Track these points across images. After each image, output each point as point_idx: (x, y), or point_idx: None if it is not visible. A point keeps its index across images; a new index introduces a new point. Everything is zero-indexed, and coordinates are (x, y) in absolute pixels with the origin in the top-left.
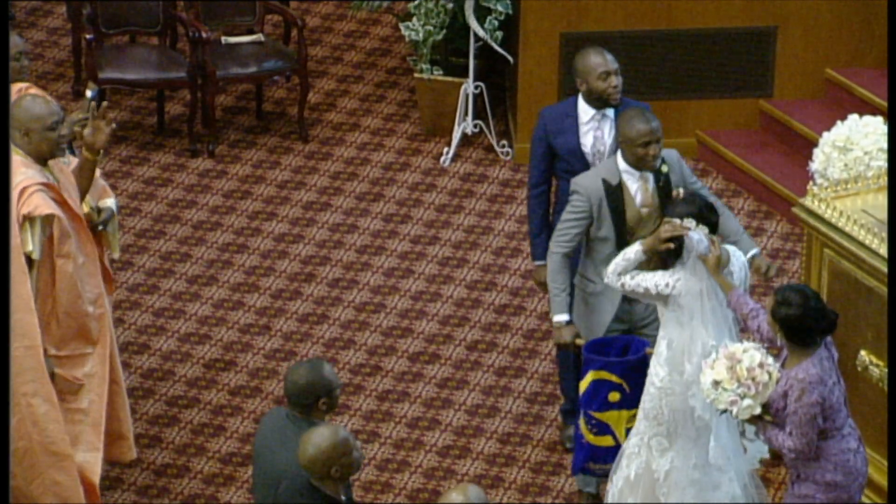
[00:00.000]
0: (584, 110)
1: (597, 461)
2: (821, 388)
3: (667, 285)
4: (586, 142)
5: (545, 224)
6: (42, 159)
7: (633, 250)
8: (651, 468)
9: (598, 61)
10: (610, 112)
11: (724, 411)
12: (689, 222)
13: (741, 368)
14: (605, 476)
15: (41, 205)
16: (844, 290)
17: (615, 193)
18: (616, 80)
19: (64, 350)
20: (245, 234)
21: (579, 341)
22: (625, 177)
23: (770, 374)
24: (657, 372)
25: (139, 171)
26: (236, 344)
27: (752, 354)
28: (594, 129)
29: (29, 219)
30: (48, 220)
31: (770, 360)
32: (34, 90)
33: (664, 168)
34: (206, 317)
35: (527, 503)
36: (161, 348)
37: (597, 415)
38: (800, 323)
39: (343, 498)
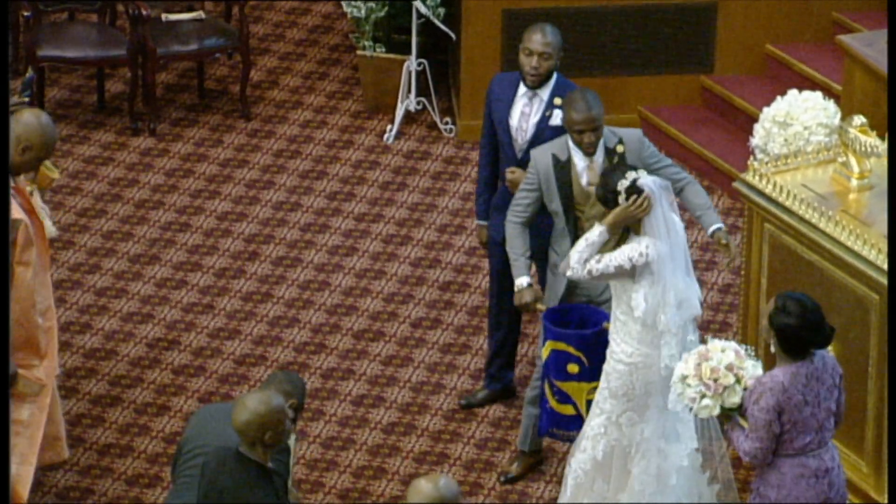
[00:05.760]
0: (523, 85)
1: (559, 427)
2: (780, 396)
3: (640, 255)
4: (514, 115)
5: (489, 185)
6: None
7: (596, 233)
8: (622, 444)
9: (526, 37)
10: (543, 93)
11: (691, 408)
12: (632, 174)
13: (706, 367)
14: (569, 441)
15: (11, 209)
16: (785, 264)
17: (563, 169)
18: (535, 62)
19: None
20: (187, 212)
21: (540, 306)
22: (574, 154)
23: (738, 378)
24: (623, 349)
25: (80, 150)
26: (179, 323)
27: (725, 355)
28: (524, 105)
29: None
30: (14, 225)
31: (748, 363)
32: None
33: (620, 148)
34: (149, 296)
35: (472, 479)
36: (103, 328)
37: (558, 384)
38: (795, 333)
39: (271, 465)
